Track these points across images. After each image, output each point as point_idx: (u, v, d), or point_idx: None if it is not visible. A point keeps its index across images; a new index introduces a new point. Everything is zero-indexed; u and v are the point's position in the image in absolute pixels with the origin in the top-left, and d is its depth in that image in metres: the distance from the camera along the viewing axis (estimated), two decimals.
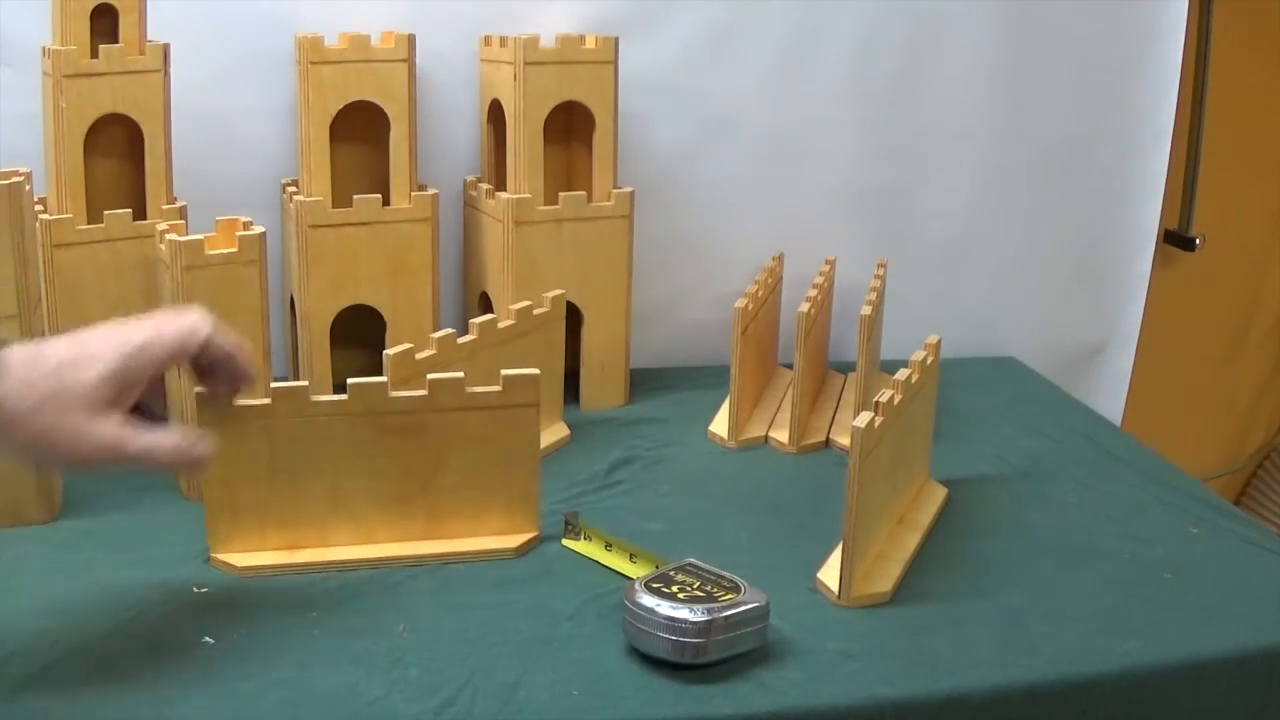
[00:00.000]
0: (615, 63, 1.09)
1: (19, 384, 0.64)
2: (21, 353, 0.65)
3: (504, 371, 0.83)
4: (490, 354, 0.96)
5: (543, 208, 1.09)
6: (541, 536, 0.87)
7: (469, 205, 1.18)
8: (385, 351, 0.87)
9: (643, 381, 1.21)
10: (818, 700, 0.69)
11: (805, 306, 1.05)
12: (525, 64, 1.05)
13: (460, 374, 0.83)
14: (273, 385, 0.80)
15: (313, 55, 1.03)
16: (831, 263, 1.22)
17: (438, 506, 0.85)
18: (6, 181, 0.81)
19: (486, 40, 1.12)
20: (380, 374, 0.84)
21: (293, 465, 0.81)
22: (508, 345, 0.99)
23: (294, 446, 0.80)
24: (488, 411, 0.83)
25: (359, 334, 1.11)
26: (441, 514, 0.85)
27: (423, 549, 0.84)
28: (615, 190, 1.12)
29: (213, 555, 0.82)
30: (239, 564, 0.81)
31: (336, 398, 0.81)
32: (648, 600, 0.71)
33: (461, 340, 0.95)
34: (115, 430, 0.66)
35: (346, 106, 1.05)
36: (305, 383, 0.81)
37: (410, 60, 1.06)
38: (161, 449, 0.68)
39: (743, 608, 0.72)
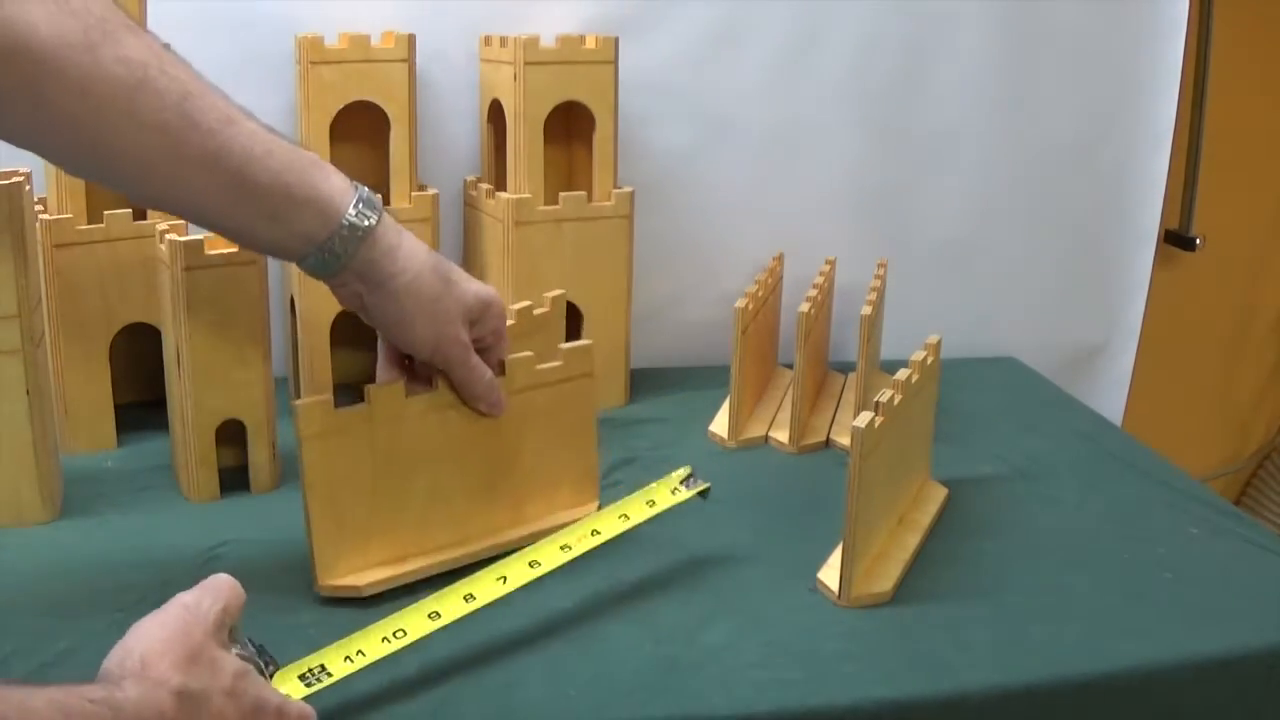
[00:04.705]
0: (615, 63, 1.09)
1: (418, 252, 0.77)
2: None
3: (561, 346, 0.85)
4: None
5: (543, 208, 1.09)
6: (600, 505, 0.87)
7: (469, 205, 1.18)
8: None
9: (643, 381, 1.21)
10: (817, 700, 0.69)
11: (805, 306, 1.05)
12: (525, 64, 1.05)
13: (529, 353, 0.83)
14: (367, 388, 0.78)
15: (313, 55, 1.03)
16: (831, 263, 1.22)
17: (519, 491, 0.85)
18: (6, 181, 0.82)
19: (486, 40, 1.12)
20: None
21: (393, 470, 0.79)
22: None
23: (394, 450, 0.79)
24: (552, 387, 0.84)
25: (359, 334, 1.10)
26: (522, 498, 0.85)
27: (511, 535, 0.84)
28: (615, 190, 1.12)
29: (322, 583, 0.77)
30: (361, 583, 0.77)
31: (428, 391, 0.80)
32: None
33: None
34: (467, 337, 0.78)
35: (346, 106, 1.05)
36: (399, 382, 0.79)
37: (410, 60, 1.06)
38: (485, 375, 0.80)
39: None
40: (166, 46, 0.69)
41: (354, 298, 0.76)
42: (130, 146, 0.65)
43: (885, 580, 0.82)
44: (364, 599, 0.78)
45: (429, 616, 0.70)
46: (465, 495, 0.82)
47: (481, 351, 0.80)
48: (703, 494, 0.85)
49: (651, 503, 0.82)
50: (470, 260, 1.18)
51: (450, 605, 0.71)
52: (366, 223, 0.72)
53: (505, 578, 0.74)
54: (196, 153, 0.66)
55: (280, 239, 0.71)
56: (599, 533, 0.79)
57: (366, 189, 0.74)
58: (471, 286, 0.78)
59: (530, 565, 0.75)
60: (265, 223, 0.70)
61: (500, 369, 0.83)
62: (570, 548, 0.77)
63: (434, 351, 0.77)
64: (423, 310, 0.75)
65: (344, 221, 0.71)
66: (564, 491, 0.87)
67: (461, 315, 0.77)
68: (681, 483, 0.84)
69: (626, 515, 0.81)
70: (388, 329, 0.77)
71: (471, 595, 0.72)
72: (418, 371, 0.82)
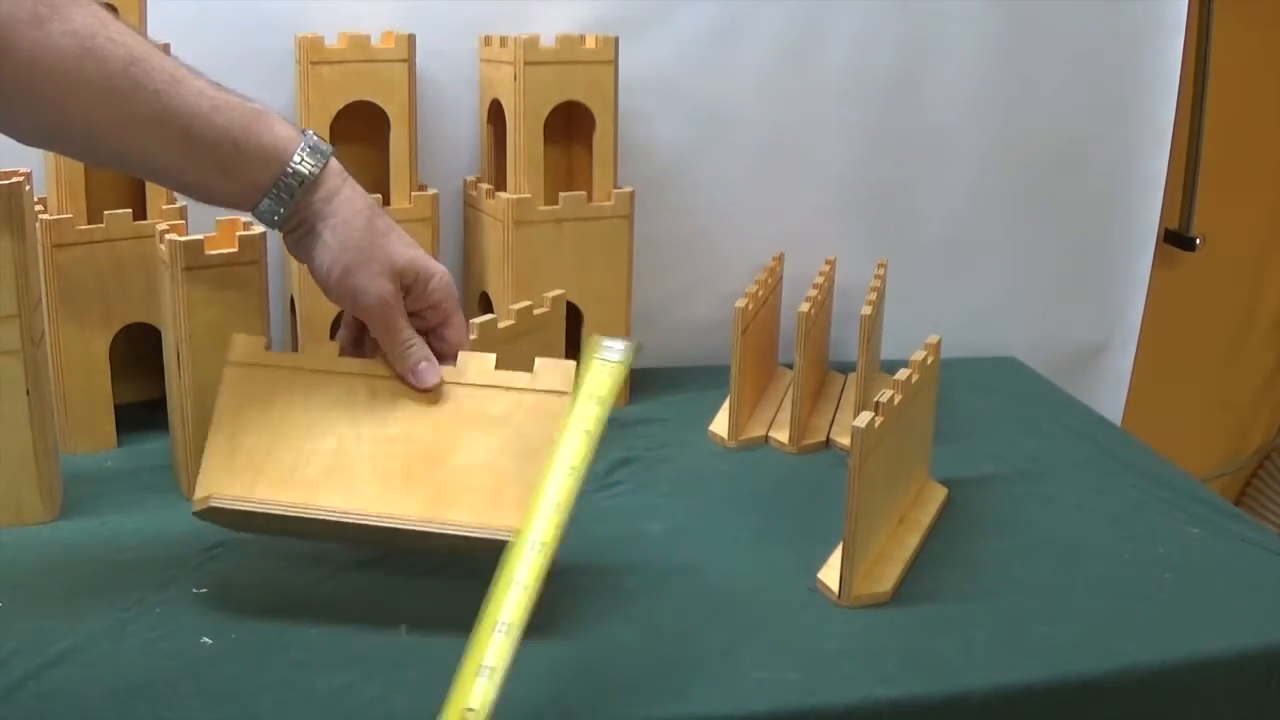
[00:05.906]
0: (615, 63, 1.09)
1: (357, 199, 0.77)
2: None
3: (539, 360, 0.79)
4: None
5: (543, 208, 1.09)
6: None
7: (469, 205, 1.18)
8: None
9: (643, 381, 1.21)
10: (817, 700, 0.69)
11: (805, 306, 1.05)
12: (525, 64, 1.05)
13: (492, 354, 0.80)
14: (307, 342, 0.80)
15: (313, 55, 1.03)
16: (831, 263, 1.22)
17: (440, 488, 0.75)
18: (6, 182, 0.81)
19: (486, 40, 1.12)
20: None
21: (304, 421, 0.77)
22: (508, 345, 0.99)
23: (311, 403, 0.77)
24: (515, 393, 0.78)
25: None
26: (443, 497, 0.75)
27: (414, 526, 0.74)
28: (615, 190, 1.12)
29: (197, 496, 0.74)
30: (231, 496, 0.73)
31: (366, 358, 0.79)
32: None
33: None
34: (394, 298, 0.76)
35: (346, 106, 1.05)
36: (337, 342, 0.80)
37: (410, 60, 1.06)
38: (405, 340, 0.77)
39: None
40: (168, 47, 0.70)
41: (296, 245, 0.77)
42: (81, 113, 0.68)
43: (885, 580, 0.82)
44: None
45: (497, 631, 0.63)
46: (372, 471, 0.75)
47: (425, 332, 0.79)
48: (637, 350, 0.76)
49: (601, 399, 0.75)
50: (470, 260, 1.18)
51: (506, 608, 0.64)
52: (309, 170, 0.74)
53: (544, 543, 0.66)
54: (144, 114, 0.69)
55: (232, 191, 0.74)
56: (575, 469, 0.71)
57: (316, 136, 0.76)
58: (407, 250, 0.77)
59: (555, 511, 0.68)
60: (217, 177, 0.73)
61: (453, 357, 0.79)
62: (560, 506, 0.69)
63: (354, 304, 0.77)
64: (343, 258, 0.75)
65: (289, 169, 0.74)
66: (503, 509, 0.74)
67: (387, 273, 0.76)
68: (602, 357, 0.75)
69: (589, 430, 0.73)
70: (316, 278, 0.77)
71: (522, 583, 0.65)
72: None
